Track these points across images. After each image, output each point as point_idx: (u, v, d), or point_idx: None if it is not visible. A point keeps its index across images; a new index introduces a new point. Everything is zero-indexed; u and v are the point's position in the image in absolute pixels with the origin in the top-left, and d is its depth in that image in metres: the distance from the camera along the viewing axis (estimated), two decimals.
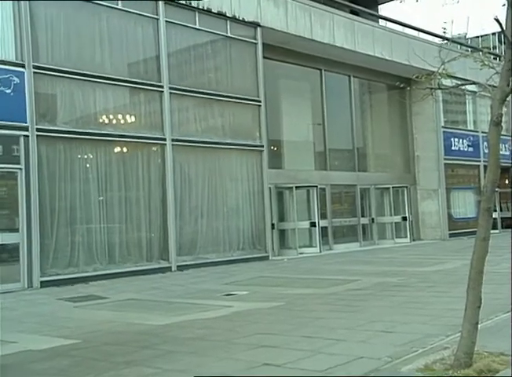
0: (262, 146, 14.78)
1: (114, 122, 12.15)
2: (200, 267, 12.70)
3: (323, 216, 16.90)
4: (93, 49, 11.77)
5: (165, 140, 12.71)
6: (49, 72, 10.95)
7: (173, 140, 12.80)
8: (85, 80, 11.47)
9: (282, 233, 16.17)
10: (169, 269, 12.36)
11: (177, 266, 12.51)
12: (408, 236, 19.24)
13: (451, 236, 20.10)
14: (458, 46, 20.62)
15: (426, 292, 8.16)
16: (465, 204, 21.47)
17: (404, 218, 19.27)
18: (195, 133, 13.44)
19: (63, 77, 11.12)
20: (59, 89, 11.19)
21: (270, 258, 14.46)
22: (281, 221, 16.09)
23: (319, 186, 16.67)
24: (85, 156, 11.63)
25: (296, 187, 16.12)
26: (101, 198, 11.62)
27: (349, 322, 6.15)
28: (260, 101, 14.84)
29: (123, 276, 11.33)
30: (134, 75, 12.48)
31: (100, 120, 11.91)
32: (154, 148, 12.74)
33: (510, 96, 4.19)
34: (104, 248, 11.53)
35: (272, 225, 15.38)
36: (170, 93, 12.85)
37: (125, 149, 12.33)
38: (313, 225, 16.36)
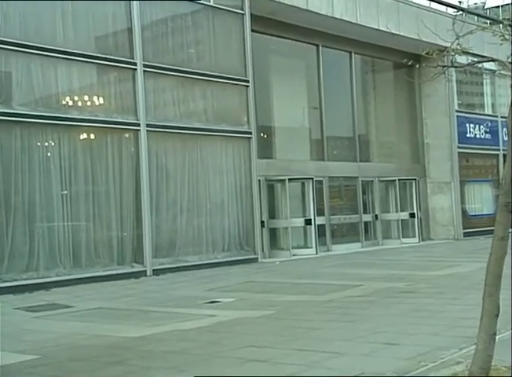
0: (251, 133, 14.83)
1: (79, 104, 12.10)
2: (180, 271, 12.76)
3: (320, 212, 16.93)
4: (55, 19, 11.69)
5: (138, 125, 12.71)
6: (3, 46, 10.86)
7: (148, 125, 12.81)
8: (45, 56, 11.40)
9: (273, 232, 16.25)
10: (143, 273, 12.40)
11: (153, 270, 12.56)
12: (417, 235, 19.39)
13: (465, 235, 20.27)
14: (475, 18, 20.70)
15: (437, 299, 8.22)
16: (481, 199, 21.64)
17: (412, 215, 19.37)
18: (174, 118, 13.47)
19: (19, 52, 11.06)
20: (14, 66, 11.13)
21: (259, 260, 14.55)
22: (272, 218, 16.17)
23: (315, 178, 16.75)
24: (46, 144, 11.59)
25: (289, 179, 16.18)
26: (65, 192, 11.60)
27: (349, 333, 6.18)
28: (248, 81, 14.86)
29: (91, 281, 11.34)
30: (103, 50, 12.44)
31: (64, 102, 11.87)
32: (126, 135, 12.75)
33: None
34: (68, 250, 11.53)
35: (262, 222, 15.44)
36: (145, 71, 12.85)
37: (92, 136, 12.31)
38: (309, 222, 16.42)
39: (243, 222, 14.56)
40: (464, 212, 20.82)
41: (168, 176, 13.33)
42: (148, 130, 12.78)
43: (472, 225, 20.55)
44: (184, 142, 13.62)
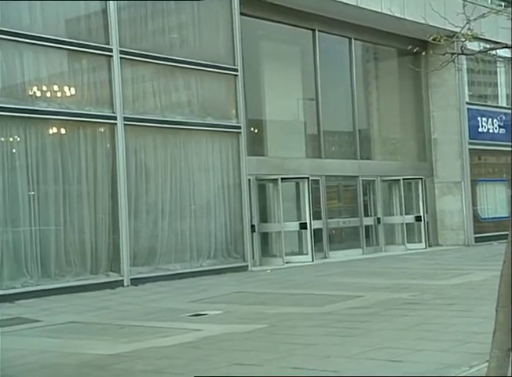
0: (239, 127, 14.86)
1: (48, 95, 12.07)
2: (161, 280, 12.77)
3: (316, 216, 16.99)
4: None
5: (115, 119, 12.69)
6: None
7: (125, 119, 12.79)
8: (9, 40, 11.35)
9: (264, 237, 16.33)
10: (120, 283, 12.40)
11: (131, 280, 12.56)
12: (423, 240, 19.44)
13: (477, 240, 20.32)
14: (488, 0, 20.79)
15: (445, 311, 8.25)
16: (495, 201, 21.72)
17: (418, 219, 19.43)
18: (154, 111, 13.48)
19: None
20: None
21: (249, 268, 14.61)
22: (263, 221, 16.21)
23: (311, 178, 16.76)
24: (11, 139, 11.55)
25: (282, 179, 16.20)
26: (32, 193, 11.57)
27: (349, 349, 6.19)
28: (236, 70, 14.87)
29: (61, 292, 11.31)
30: (74, 34, 12.41)
31: (30, 92, 11.83)
32: (101, 129, 12.75)
33: None
34: (35, 258, 11.49)
35: (252, 226, 15.48)
36: (121, 58, 12.84)
37: (63, 130, 12.28)
38: (304, 226, 16.47)
39: (231, 226, 14.60)
40: (475, 215, 20.87)
41: (148, 175, 13.34)
42: (125, 124, 12.76)
43: (484, 230, 20.62)
44: (166, 138, 13.64)
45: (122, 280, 12.44)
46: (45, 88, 12.03)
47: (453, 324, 7.25)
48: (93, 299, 10.88)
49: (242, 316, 8.58)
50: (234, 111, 14.86)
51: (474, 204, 20.92)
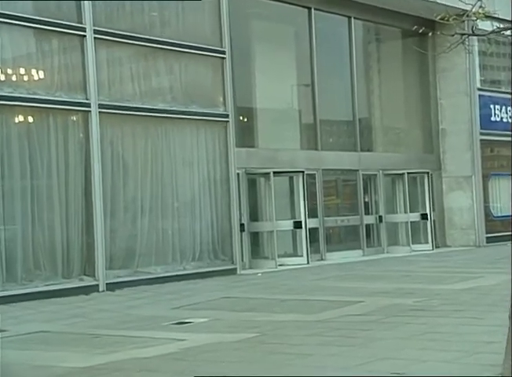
0: (227, 116, 14.87)
1: (13, 78, 12.01)
2: (140, 285, 12.75)
3: (312, 213, 16.96)
4: None
5: (89, 106, 12.64)
6: None
7: (100, 106, 12.75)
8: None
9: (255, 237, 16.33)
10: (95, 288, 12.37)
11: (107, 284, 12.52)
12: (430, 241, 19.44)
13: (489, 240, 20.36)
14: None
15: (453, 318, 8.28)
16: (508, 197, 21.34)
17: (424, 217, 19.43)
18: (133, 97, 13.44)
19: None
20: None
21: (238, 271, 14.65)
22: (254, 220, 16.21)
23: (306, 172, 16.75)
24: None
25: (275, 173, 16.18)
26: None
27: (347, 360, 6.21)
28: (224, 53, 14.85)
29: (29, 299, 11.25)
30: (43, 11, 12.33)
31: None
32: (73, 118, 12.71)
33: None
34: None
35: (242, 225, 15.49)
36: (96, 38, 12.77)
37: (30, 118, 12.24)
38: (298, 225, 16.46)
39: (219, 225, 14.62)
40: (487, 213, 20.92)
41: (126, 169, 13.30)
42: (100, 112, 12.69)
43: (497, 229, 20.61)
44: (146, 127, 13.61)
45: (98, 285, 12.39)
46: (10, 71, 11.94)
47: (461, 333, 7.28)
48: (64, 306, 10.83)
49: (230, 324, 8.59)
50: (221, 98, 14.83)
51: (486, 201, 20.94)
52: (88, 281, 12.35)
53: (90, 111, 12.60)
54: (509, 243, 18.44)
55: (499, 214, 21.26)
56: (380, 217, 19.01)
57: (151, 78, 13.88)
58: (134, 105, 13.32)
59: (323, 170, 17.76)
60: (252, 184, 16.41)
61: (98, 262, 12.46)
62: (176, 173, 14.03)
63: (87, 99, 12.61)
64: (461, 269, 14.39)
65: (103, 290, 12.37)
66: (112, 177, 13.01)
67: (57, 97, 12.27)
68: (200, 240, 14.26)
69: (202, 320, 8.98)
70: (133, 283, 12.74)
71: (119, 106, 13.09)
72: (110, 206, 12.85)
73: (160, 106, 13.76)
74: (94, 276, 12.45)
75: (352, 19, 18.86)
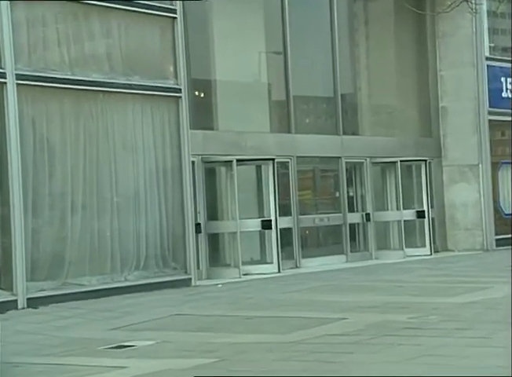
0: (180, 90, 14.81)
1: None
2: (70, 300, 12.61)
3: (284, 211, 17.08)
4: None
5: (3, 76, 12.42)
6: None
7: (18, 76, 12.55)
8: None
9: (214, 240, 16.39)
10: (13, 304, 12.19)
11: (29, 300, 12.37)
12: (427, 244, 19.53)
13: (499, 243, 20.44)
14: None
15: (455, 338, 8.32)
16: None
17: (421, 214, 19.52)
18: (60, 66, 13.27)
19: None
20: None
21: (193, 282, 14.68)
22: (212, 219, 16.28)
23: (277, 160, 16.78)
24: None
25: (238, 161, 16.22)
26: None
27: None
28: (175, 11, 14.74)
29: None
30: None
31: None
32: None
33: None
34: None
35: (198, 226, 15.52)
36: None
37: None
38: (268, 225, 16.47)
39: (169, 225, 14.63)
40: (497, 209, 21.01)
41: (52, 155, 13.13)
42: (18, 84, 12.51)
43: (509, 229, 20.68)
44: (78, 103, 13.48)
45: (16, 301, 12.24)
46: None
47: (465, 356, 7.31)
48: None
49: (182, 348, 8.60)
50: (172, 69, 14.86)
51: (496, 195, 21.04)
52: (4, 296, 12.23)
53: (6, 82, 12.41)
54: None
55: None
56: (367, 215, 19.07)
57: (84, 42, 13.67)
58: (62, 76, 13.15)
59: (297, 157, 17.82)
60: (210, 174, 16.48)
61: (16, 272, 12.30)
62: (115, 162, 13.97)
63: (1, 68, 12.41)
64: (465, 278, 14.54)
65: (23, 308, 12.24)
66: (35, 166, 12.84)
67: None
68: (146, 244, 14.23)
69: (147, 342, 9.00)
70: (61, 298, 12.63)
71: (43, 77, 12.89)
72: (31, 202, 12.71)
73: (95, 77, 13.66)
74: (11, 289, 12.35)
75: None
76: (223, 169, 16.46)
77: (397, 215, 19.13)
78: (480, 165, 20.51)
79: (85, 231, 13.39)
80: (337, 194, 18.78)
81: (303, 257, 17.57)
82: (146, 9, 14.30)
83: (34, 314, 11.76)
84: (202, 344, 8.70)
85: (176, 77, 14.79)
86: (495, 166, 21.04)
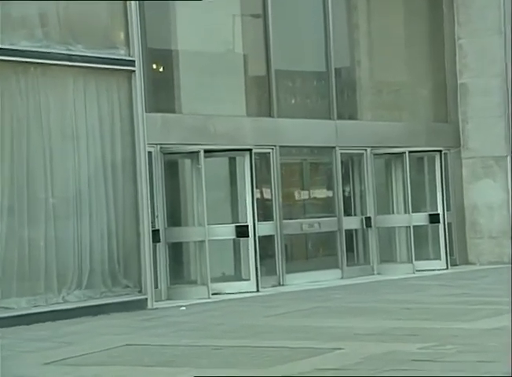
0: (133, 63, 14.94)
1: None
2: None
3: (264, 214, 17.48)
4: None
5: None
6: None
7: None
8: None
9: (176, 252, 16.70)
10: None
11: None
12: (443, 255, 19.83)
13: None
14: None
15: (476, 373, 8.01)
16: None
17: (435, 219, 19.75)
18: None
19: None
20: None
21: (150, 304, 14.84)
22: (174, 225, 16.56)
23: (255, 150, 17.02)
24: None
25: (207, 152, 16.38)
26: None
27: None
28: None
29: None
30: None
31: None
32: None
33: None
34: None
35: (155, 233, 15.63)
36: None
37: None
38: (244, 233, 16.65)
39: (119, 233, 14.85)
40: None
41: None
42: None
43: None
44: (5, 79, 13.54)
45: None
46: None
47: None
48: None
49: None
50: (122, 36, 15.07)
51: None
52: None
53: None
54: None
55: None
56: (368, 219, 19.38)
57: (15, 3, 13.65)
58: None
59: (280, 147, 18.04)
60: (172, 169, 16.77)
61: None
62: (51, 153, 14.05)
63: None
64: (488, 298, 14.63)
65: None
66: None
67: None
68: (90, 257, 14.34)
69: None
70: None
71: None
72: None
73: (27, 46, 13.73)
74: None
75: None
76: (187, 162, 16.73)
77: (405, 220, 19.36)
78: (508, 157, 20.75)
79: (12, 241, 13.47)
80: (330, 193, 18.95)
81: (287, 272, 17.78)
82: None
83: None
84: None
85: (128, 46, 14.95)
86: None
